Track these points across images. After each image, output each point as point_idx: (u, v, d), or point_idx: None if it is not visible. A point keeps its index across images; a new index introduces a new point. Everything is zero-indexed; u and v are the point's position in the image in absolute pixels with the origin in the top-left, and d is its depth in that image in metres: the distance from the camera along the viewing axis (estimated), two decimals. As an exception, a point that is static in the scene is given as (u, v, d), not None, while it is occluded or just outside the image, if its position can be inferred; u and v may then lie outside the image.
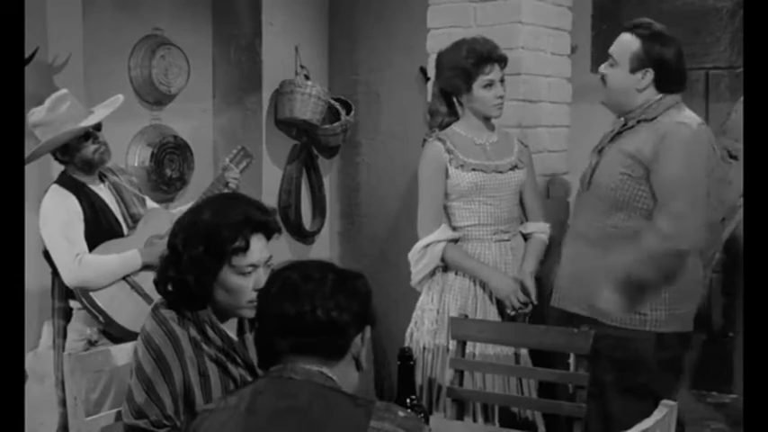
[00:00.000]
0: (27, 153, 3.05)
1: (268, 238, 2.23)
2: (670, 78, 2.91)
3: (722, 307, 4.49)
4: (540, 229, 3.33)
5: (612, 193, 2.91)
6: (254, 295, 2.16)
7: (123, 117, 4.02)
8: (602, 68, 3.00)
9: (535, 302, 3.19)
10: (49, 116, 3.07)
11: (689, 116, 2.91)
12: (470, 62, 3.14)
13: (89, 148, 3.13)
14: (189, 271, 2.15)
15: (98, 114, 3.16)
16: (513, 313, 3.17)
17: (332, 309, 1.76)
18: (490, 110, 3.20)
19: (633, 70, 2.90)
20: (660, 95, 2.92)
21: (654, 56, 2.88)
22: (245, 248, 2.16)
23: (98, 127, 3.16)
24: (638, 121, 2.92)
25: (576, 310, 3.02)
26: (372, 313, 1.85)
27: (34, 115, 3.09)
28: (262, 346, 1.85)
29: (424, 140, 3.29)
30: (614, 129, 3.03)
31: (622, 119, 3.01)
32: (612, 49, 2.97)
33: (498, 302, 3.19)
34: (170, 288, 2.21)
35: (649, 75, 2.89)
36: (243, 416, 1.73)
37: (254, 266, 2.17)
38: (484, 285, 3.18)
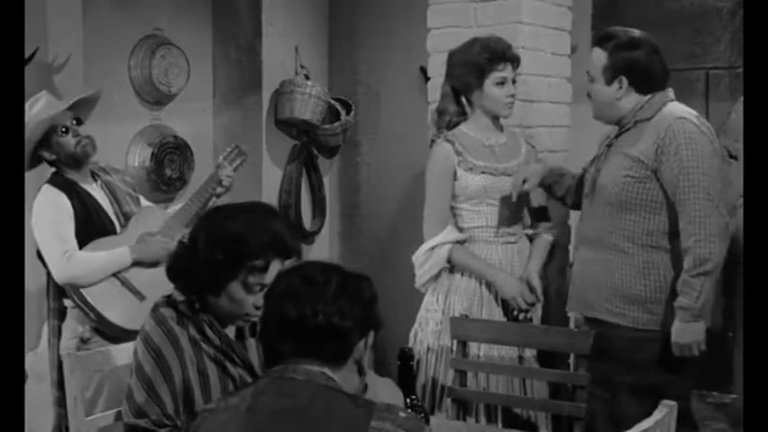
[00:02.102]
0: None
1: (284, 261, 2.21)
2: (647, 78, 2.94)
3: (722, 307, 4.49)
4: (545, 229, 3.32)
5: (617, 197, 2.93)
6: (252, 310, 2.17)
7: (123, 117, 4.03)
8: (588, 86, 3.05)
9: (541, 300, 3.18)
10: (26, 117, 3.08)
11: (686, 110, 2.92)
12: (485, 57, 3.13)
13: (70, 142, 3.13)
14: (203, 270, 2.15)
15: (65, 102, 3.17)
16: (520, 316, 3.16)
17: (333, 314, 1.74)
18: (501, 108, 3.20)
19: (608, 82, 2.96)
20: (648, 96, 2.95)
21: (621, 64, 2.93)
22: (264, 270, 2.15)
23: (78, 121, 3.17)
24: (636, 123, 2.94)
25: (592, 314, 3.03)
26: (377, 318, 1.83)
27: None
28: (265, 347, 1.84)
29: (432, 141, 3.28)
30: (611, 134, 3.06)
31: (617, 127, 3.04)
32: (589, 66, 3.04)
33: (504, 304, 3.19)
34: (180, 278, 2.21)
35: (624, 81, 2.94)
36: (243, 416, 1.72)
37: (264, 286, 2.17)
38: (490, 286, 3.17)
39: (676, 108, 2.93)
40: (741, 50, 4.25)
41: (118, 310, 3.09)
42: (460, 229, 3.22)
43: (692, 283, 2.79)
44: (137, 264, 3.14)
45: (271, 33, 4.46)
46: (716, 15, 4.48)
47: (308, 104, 4.38)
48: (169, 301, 2.23)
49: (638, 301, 2.92)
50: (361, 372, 1.83)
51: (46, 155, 3.15)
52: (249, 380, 2.18)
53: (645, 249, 2.92)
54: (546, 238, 3.31)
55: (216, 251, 2.14)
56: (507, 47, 3.19)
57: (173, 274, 2.24)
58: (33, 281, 3.29)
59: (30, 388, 2.97)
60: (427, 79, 3.86)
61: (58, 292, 3.16)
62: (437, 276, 3.22)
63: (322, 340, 1.75)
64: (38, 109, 3.11)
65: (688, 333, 2.83)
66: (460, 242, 3.19)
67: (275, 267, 2.17)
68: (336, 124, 4.56)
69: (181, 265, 2.21)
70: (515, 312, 3.17)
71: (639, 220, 2.91)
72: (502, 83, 3.16)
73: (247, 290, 2.16)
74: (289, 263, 2.17)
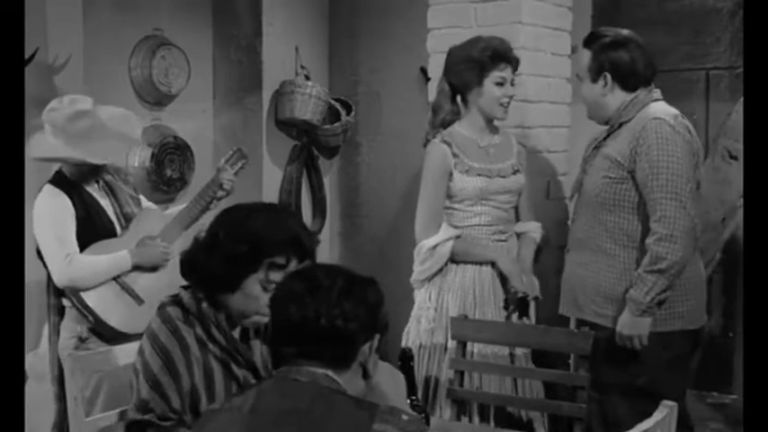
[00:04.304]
0: (33, 147, 3.05)
1: (300, 262, 2.21)
2: (631, 74, 2.99)
3: (722, 307, 4.49)
4: (532, 229, 3.34)
5: (597, 198, 2.99)
6: (265, 309, 2.15)
7: (123, 117, 4.02)
8: (579, 87, 3.12)
9: (540, 296, 3.18)
10: (67, 126, 3.02)
11: (664, 110, 2.95)
12: (487, 55, 3.15)
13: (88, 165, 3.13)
14: (221, 264, 2.15)
15: (113, 152, 3.12)
16: (531, 298, 3.16)
17: (336, 317, 1.74)
18: (496, 109, 3.20)
19: (593, 80, 3.02)
20: (633, 94, 2.99)
21: (604, 61, 2.99)
22: (284, 267, 2.15)
23: None
24: (620, 125, 2.99)
25: (582, 316, 3.04)
26: (383, 321, 1.82)
27: (53, 113, 3.04)
28: (270, 350, 1.84)
29: (427, 140, 3.28)
30: (598, 137, 3.10)
31: (607, 126, 3.08)
32: (576, 68, 3.11)
33: (496, 300, 3.19)
34: (195, 272, 2.21)
35: (608, 78, 2.99)
36: (246, 416, 1.72)
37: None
38: (483, 284, 3.18)
39: (656, 108, 2.96)
40: (741, 50, 4.25)
41: (116, 313, 3.09)
42: (454, 227, 3.22)
43: (644, 278, 2.83)
44: (137, 268, 3.15)
45: (271, 34, 4.46)
46: (716, 15, 4.48)
47: (308, 105, 4.38)
48: (175, 300, 2.23)
49: (622, 301, 2.93)
50: (365, 375, 1.82)
51: None
52: (253, 381, 2.18)
53: (626, 250, 2.95)
54: (533, 237, 3.33)
55: (238, 245, 2.14)
56: (509, 49, 3.22)
57: (187, 268, 2.24)
58: (33, 281, 3.29)
59: (30, 388, 2.98)
60: (427, 80, 3.86)
61: (57, 289, 3.16)
62: (435, 274, 3.22)
63: (325, 343, 1.74)
64: (80, 131, 3.01)
65: (632, 326, 2.87)
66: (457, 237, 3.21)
67: (293, 266, 2.16)
68: (336, 124, 4.56)
69: (198, 260, 2.21)
70: (519, 295, 3.16)
71: (619, 221, 2.95)
72: (501, 83, 3.17)
73: (264, 287, 2.16)
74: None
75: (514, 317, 3.23)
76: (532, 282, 3.19)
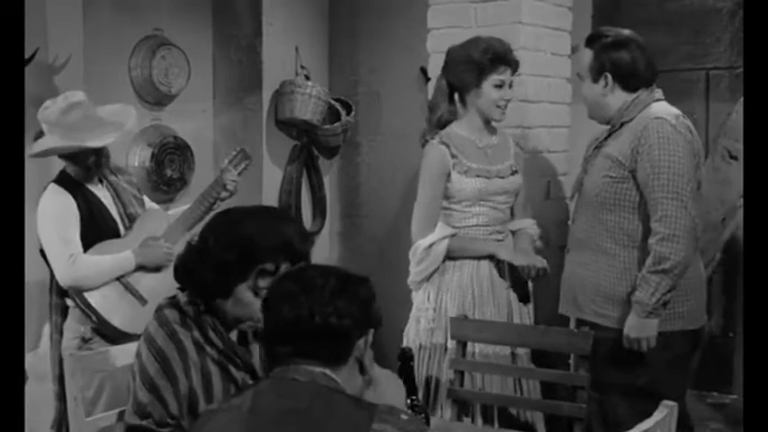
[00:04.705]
0: (32, 145, 3.05)
1: (292, 265, 2.20)
2: (632, 75, 2.99)
3: (722, 307, 4.49)
4: (527, 225, 3.35)
5: (597, 198, 2.99)
6: (259, 314, 2.15)
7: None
8: (580, 87, 3.12)
9: (548, 269, 3.16)
10: (60, 119, 3.04)
11: (666, 110, 2.95)
12: (487, 58, 3.14)
13: (90, 159, 3.12)
14: (211, 272, 2.15)
15: (109, 136, 3.12)
16: (540, 268, 3.16)
17: (330, 314, 1.74)
18: (494, 111, 3.20)
19: (594, 80, 3.02)
20: (634, 95, 2.99)
21: (605, 61, 2.99)
22: (273, 274, 2.14)
23: None
24: (622, 125, 2.99)
25: (582, 316, 3.05)
26: (376, 316, 1.83)
27: (47, 110, 3.06)
28: (266, 350, 1.85)
29: (425, 141, 3.28)
30: (599, 137, 3.10)
31: (608, 126, 3.08)
32: (577, 67, 3.11)
33: (496, 300, 3.19)
34: (187, 278, 2.21)
35: (609, 78, 2.99)
36: (245, 417, 1.72)
37: None
38: (482, 283, 3.18)
39: (658, 108, 2.96)
40: (741, 50, 4.25)
41: (119, 313, 3.10)
42: (451, 228, 3.22)
43: (649, 279, 2.83)
44: (140, 268, 3.15)
45: (271, 34, 4.46)
46: (716, 15, 4.48)
47: (308, 105, 4.39)
48: (173, 302, 2.22)
49: (622, 301, 2.93)
50: (362, 371, 1.83)
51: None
52: (251, 383, 2.18)
53: (626, 250, 2.95)
54: (529, 232, 3.33)
55: (227, 253, 2.14)
56: (509, 50, 3.20)
57: (180, 274, 2.23)
58: (33, 281, 3.29)
59: (30, 388, 2.98)
60: (427, 80, 3.86)
61: (60, 288, 3.17)
62: (432, 274, 3.22)
63: (321, 341, 1.75)
64: (75, 121, 3.04)
65: (639, 328, 2.86)
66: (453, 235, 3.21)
67: (284, 270, 2.15)
68: (336, 124, 4.56)
69: (189, 266, 2.20)
70: (530, 266, 3.15)
71: (620, 220, 2.95)
72: (500, 85, 3.17)
73: (256, 293, 2.16)
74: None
75: (517, 308, 3.23)
76: (537, 257, 3.18)
